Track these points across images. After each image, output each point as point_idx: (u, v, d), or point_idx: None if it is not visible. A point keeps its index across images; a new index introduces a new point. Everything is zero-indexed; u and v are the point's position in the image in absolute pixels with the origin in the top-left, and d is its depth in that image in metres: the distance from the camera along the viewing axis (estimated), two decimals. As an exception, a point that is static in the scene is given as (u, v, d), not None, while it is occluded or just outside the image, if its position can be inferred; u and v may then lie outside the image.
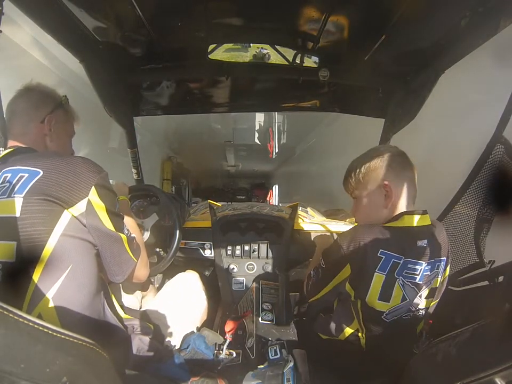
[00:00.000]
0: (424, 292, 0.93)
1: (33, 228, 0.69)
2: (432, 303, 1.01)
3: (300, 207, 1.93)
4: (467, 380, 0.52)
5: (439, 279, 0.95)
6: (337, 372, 0.96)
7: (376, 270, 0.86)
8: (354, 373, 0.92)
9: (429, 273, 0.90)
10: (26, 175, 0.72)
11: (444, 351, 0.64)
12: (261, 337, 1.14)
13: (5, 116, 0.91)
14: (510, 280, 0.89)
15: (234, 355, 1.11)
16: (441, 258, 0.93)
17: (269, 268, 1.57)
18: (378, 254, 0.85)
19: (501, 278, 1.01)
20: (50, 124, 0.92)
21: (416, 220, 0.90)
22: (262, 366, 0.97)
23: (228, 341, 1.15)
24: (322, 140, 4.89)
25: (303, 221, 1.77)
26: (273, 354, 1.02)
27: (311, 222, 1.76)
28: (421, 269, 0.88)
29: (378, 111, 1.72)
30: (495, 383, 0.48)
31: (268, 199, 8.84)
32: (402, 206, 0.92)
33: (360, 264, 0.87)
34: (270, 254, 1.59)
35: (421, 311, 0.95)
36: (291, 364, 0.92)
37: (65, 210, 0.72)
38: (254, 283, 1.48)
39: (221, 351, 1.12)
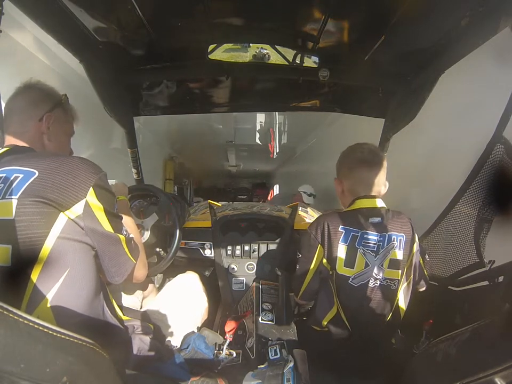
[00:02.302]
0: (385, 262, 1.08)
1: (28, 230, 0.67)
2: (398, 276, 1.09)
3: (300, 207, 1.93)
4: (467, 380, 0.52)
5: (400, 251, 1.10)
6: (335, 367, 1.03)
7: (340, 242, 1.08)
8: (350, 363, 1.05)
9: (385, 243, 1.08)
10: (21, 175, 0.69)
11: (444, 351, 0.65)
12: (261, 337, 1.14)
13: (3, 114, 0.89)
14: (510, 280, 0.89)
15: (234, 355, 1.11)
16: (399, 234, 1.10)
17: (269, 268, 1.57)
18: (339, 229, 1.09)
19: (501, 278, 1.01)
20: (48, 122, 0.90)
21: (367, 203, 1.12)
22: (262, 366, 0.97)
23: (228, 341, 1.15)
24: (323, 140, 4.88)
25: (303, 221, 1.77)
26: (273, 354, 1.02)
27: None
28: (375, 239, 1.08)
29: (378, 111, 1.72)
30: (495, 383, 0.48)
31: (269, 198, 8.84)
32: (357, 195, 1.15)
33: (327, 240, 1.09)
34: (270, 254, 1.58)
35: (388, 281, 1.08)
36: (291, 364, 0.92)
37: (61, 213, 0.70)
38: (254, 283, 1.48)
39: (221, 351, 1.12)
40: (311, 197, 3.89)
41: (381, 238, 1.08)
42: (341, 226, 1.09)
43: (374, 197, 1.14)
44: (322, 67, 1.48)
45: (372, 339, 1.08)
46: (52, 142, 0.92)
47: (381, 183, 1.16)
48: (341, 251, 1.08)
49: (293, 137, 5.55)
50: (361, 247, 1.07)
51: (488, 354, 0.54)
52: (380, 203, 1.14)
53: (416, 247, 1.14)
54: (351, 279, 1.07)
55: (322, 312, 1.13)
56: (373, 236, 1.08)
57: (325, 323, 1.12)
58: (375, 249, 1.08)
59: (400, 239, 1.10)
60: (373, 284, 1.07)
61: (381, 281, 1.08)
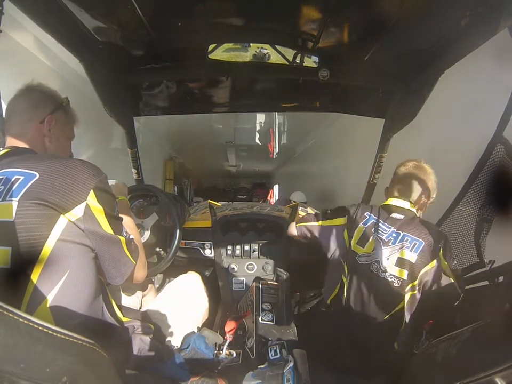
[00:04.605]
0: (392, 257, 1.13)
1: (28, 233, 0.67)
2: (404, 275, 1.11)
3: (300, 207, 1.93)
4: (467, 380, 0.52)
5: (411, 254, 1.12)
6: (336, 366, 1.06)
7: (360, 223, 1.22)
8: (350, 363, 1.07)
9: (397, 240, 1.15)
10: (21, 177, 0.69)
11: (444, 351, 0.64)
12: (261, 337, 1.13)
13: (4, 115, 0.89)
14: (510, 280, 0.89)
15: (234, 355, 1.11)
16: (417, 238, 1.14)
17: (269, 268, 1.57)
18: (365, 214, 1.24)
19: (501, 278, 1.01)
20: (50, 125, 0.90)
21: (395, 202, 1.25)
22: (262, 366, 0.97)
23: (228, 341, 1.15)
24: (323, 140, 4.88)
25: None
26: (273, 354, 1.02)
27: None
28: (388, 231, 1.18)
29: (378, 111, 1.72)
30: (495, 383, 0.48)
31: (268, 198, 8.84)
32: (391, 196, 1.30)
33: (353, 217, 1.25)
34: (270, 254, 1.58)
35: (392, 277, 1.11)
36: (291, 364, 0.92)
37: (61, 215, 0.70)
38: (254, 283, 1.48)
39: (221, 351, 1.12)
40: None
41: (395, 234, 1.16)
42: (367, 212, 1.25)
43: (405, 199, 1.24)
44: (322, 67, 1.48)
45: (371, 337, 1.08)
46: (53, 144, 0.91)
47: (418, 193, 1.25)
48: (359, 231, 1.21)
49: (293, 137, 5.55)
50: (375, 233, 1.18)
51: (488, 354, 0.54)
52: (407, 205, 1.23)
53: (436, 262, 1.10)
54: (358, 256, 1.18)
55: (328, 291, 1.25)
56: (388, 229, 1.18)
57: (329, 301, 1.23)
58: (386, 241, 1.16)
59: (415, 243, 1.12)
60: (376, 271, 1.14)
61: (384, 273, 1.12)
